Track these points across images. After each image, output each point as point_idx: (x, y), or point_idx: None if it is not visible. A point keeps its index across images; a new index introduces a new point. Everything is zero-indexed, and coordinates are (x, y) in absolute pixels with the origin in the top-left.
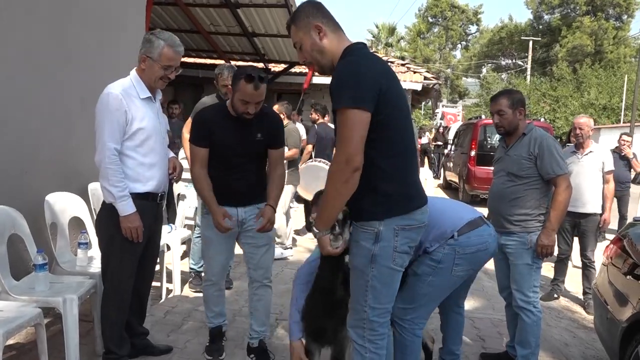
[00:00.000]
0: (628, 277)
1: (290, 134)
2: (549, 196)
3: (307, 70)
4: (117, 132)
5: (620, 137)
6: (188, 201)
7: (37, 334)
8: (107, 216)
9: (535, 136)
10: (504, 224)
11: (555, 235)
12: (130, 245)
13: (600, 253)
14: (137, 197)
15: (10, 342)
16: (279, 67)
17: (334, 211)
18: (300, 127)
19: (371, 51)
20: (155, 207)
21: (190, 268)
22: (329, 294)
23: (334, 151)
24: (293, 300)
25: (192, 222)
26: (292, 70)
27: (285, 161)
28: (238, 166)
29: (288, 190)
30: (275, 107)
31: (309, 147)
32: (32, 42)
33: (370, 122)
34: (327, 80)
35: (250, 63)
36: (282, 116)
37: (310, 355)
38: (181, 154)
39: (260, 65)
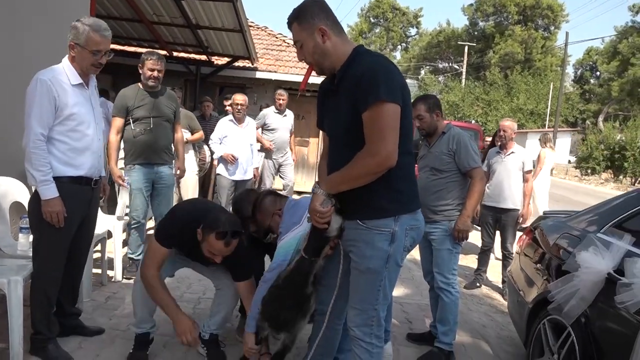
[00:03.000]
0: (536, 264)
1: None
2: (467, 188)
3: (248, 64)
4: (45, 117)
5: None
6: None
7: None
8: (37, 200)
9: (454, 134)
10: (429, 214)
11: (470, 221)
12: (57, 230)
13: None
14: (70, 181)
15: None
16: (222, 61)
17: (347, 187)
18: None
19: None
20: (90, 191)
21: (129, 257)
22: (300, 288)
23: (370, 144)
24: (257, 298)
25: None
26: (235, 64)
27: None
28: None
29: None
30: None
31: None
32: None
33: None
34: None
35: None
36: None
37: (262, 342)
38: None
39: (203, 57)
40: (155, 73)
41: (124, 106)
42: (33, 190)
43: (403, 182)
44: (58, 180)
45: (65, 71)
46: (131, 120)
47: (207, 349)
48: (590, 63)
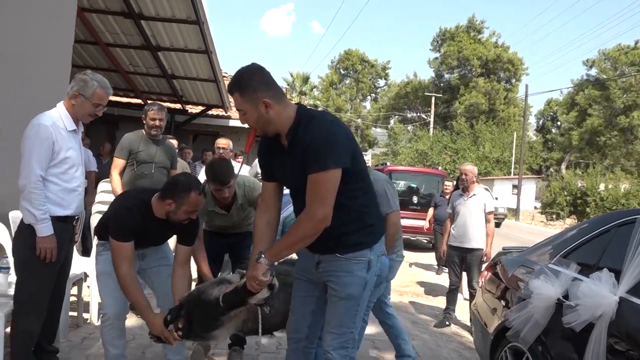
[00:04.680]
0: (497, 296)
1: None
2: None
3: (222, 112)
4: (44, 160)
5: (444, 183)
6: None
7: None
8: (24, 238)
9: (375, 179)
10: None
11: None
12: (45, 266)
13: None
14: (57, 220)
15: None
16: (196, 109)
17: (290, 252)
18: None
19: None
20: (72, 229)
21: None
22: (213, 309)
23: (310, 206)
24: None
25: None
26: (209, 112)
27: None
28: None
29: None
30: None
31: None
32: None
33: (351, 173)
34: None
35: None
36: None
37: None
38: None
39: (178, 106)
40: (157, 122)
41: (127, 149)
42: (14, 231)
43: (371, 217)
44: None
45: (61, 117)
46: (135, 163)
47: None
48: (551, 113)
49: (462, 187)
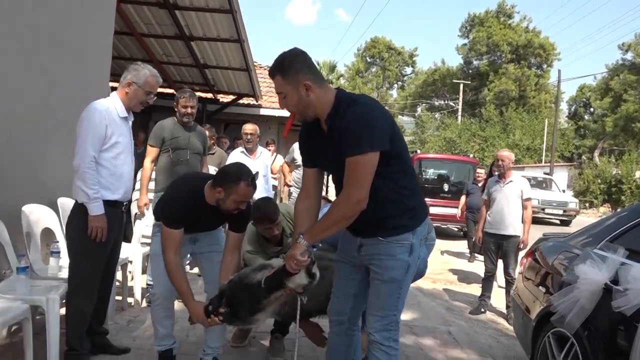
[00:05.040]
0: (538, 282)
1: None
2: None
3: (253, 101)
4: (97, 143)
5: (476, 171)
6: (145, 219)
7: (24, 329)
8: (76, 220)
9: None
10: None
11: None
12: (97, 247)
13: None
14: (106, 204)
15: None
16: (228, 98)
17: (328, 234)
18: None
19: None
20: (121, 215)
21: (147, 284)
22: (255, 292)
23: (347, 188)
24: None
25: (149, 240)
26: (240, 101)
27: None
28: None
29: None
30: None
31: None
32: (8, 65)
33: (391, 155)
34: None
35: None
36: (211, 141)
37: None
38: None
39: (210, 95)
40: (189, 109)
41: (160, 137)
42: (69, 214)
43: (412, 200)
44: None
45: (115, 104)
46: (170, 150)
47: None
48: (584, 99)
49: (499, 173)
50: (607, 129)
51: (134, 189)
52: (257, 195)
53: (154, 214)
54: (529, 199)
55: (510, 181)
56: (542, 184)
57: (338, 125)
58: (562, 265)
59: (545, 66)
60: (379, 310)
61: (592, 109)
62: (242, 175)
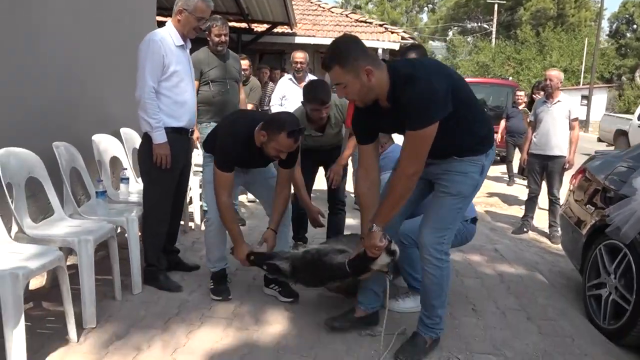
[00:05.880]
0: (590, 198)
1: (253, 88)
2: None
3: (288, 29)
4: (156, 73)
5: (515, 93)
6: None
7: (110, 247)
8: (145, 148)
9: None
10: None
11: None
12: (165, 173)
13: (564, 191)
14: (172, 131)
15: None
16: (262, 27)
17: (395, 211)
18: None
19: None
20: (187, 141)
21: (204, 210)
22: (329, 275)
23: (404, 160)
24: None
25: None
26: (275, 30)
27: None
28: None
29: None
30: (245, 63)
31: None
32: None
33: (456, 104)
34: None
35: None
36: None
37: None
38: None
39: (244, 25)
40: (222, 38)
41: (197, 69)
42: (139, 144)
43: (483, 128)
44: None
45: (170, 33)
46: (210, 82)
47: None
48: (627, 16)
49: (547, 93)
50: None
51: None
52: None
53: (203, 147)
54: (576, 119)
55: (558, 101)
56: None
57: (399, 101)
58: (618, 180)
59: None
60: (437, 223)
61: (635, 26)
62: (286, 126)
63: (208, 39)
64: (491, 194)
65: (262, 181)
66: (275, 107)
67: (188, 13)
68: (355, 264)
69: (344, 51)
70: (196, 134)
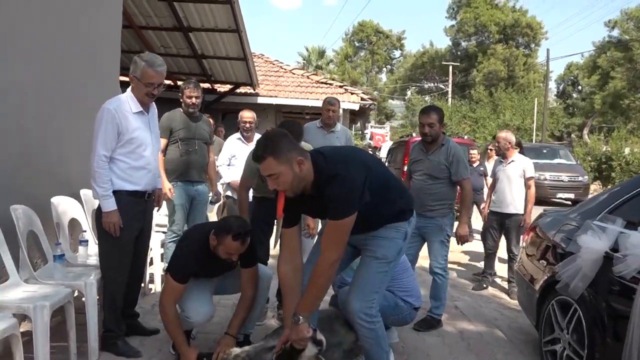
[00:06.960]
0: (541, 254)
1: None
2: (454, 189)
3: (250, 90)
4: (109, 142)
5: (469, 152)
6: (161, 210)
7: (66, 312)
8: (101, 213)
9: (451, 147)
10: (425, 212)
11: (467, 228)
12: (121, 236)
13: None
14: (127, 194)
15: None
16: (225, 88)
17: (320, 298)
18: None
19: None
20: (143, 203)
21: (165, 270)
22: None
23: (325, 248)
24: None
25: (164, 229)
26: (237, 90)
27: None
28: None
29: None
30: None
31: None
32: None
33: (373, 193)
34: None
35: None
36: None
37: None
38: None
39: (207, 85)
40: (194, 100)
41: (168, 128)
42: (91, 209)
43: (401, 199)
44: (118, 193)
45: (128, 100)
46: (179, 141)
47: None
48: (572, 78)
49: (500, 154)
50: (596, 107)
51: None
52: None
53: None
54: (531, 178)
55: (512, 161)
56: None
57: (323, 192)
58: (565, 237)
59: (533, 45)
60: (364, 287)
61: (580, 87)
62: (233, 229)
63: (181, 100)
64: (451, 250)
65: (234, 274)
66: (223, 167)
67: (137, 80)
68: (283, 358)
69: (276, 143)
70: (168, 185)
